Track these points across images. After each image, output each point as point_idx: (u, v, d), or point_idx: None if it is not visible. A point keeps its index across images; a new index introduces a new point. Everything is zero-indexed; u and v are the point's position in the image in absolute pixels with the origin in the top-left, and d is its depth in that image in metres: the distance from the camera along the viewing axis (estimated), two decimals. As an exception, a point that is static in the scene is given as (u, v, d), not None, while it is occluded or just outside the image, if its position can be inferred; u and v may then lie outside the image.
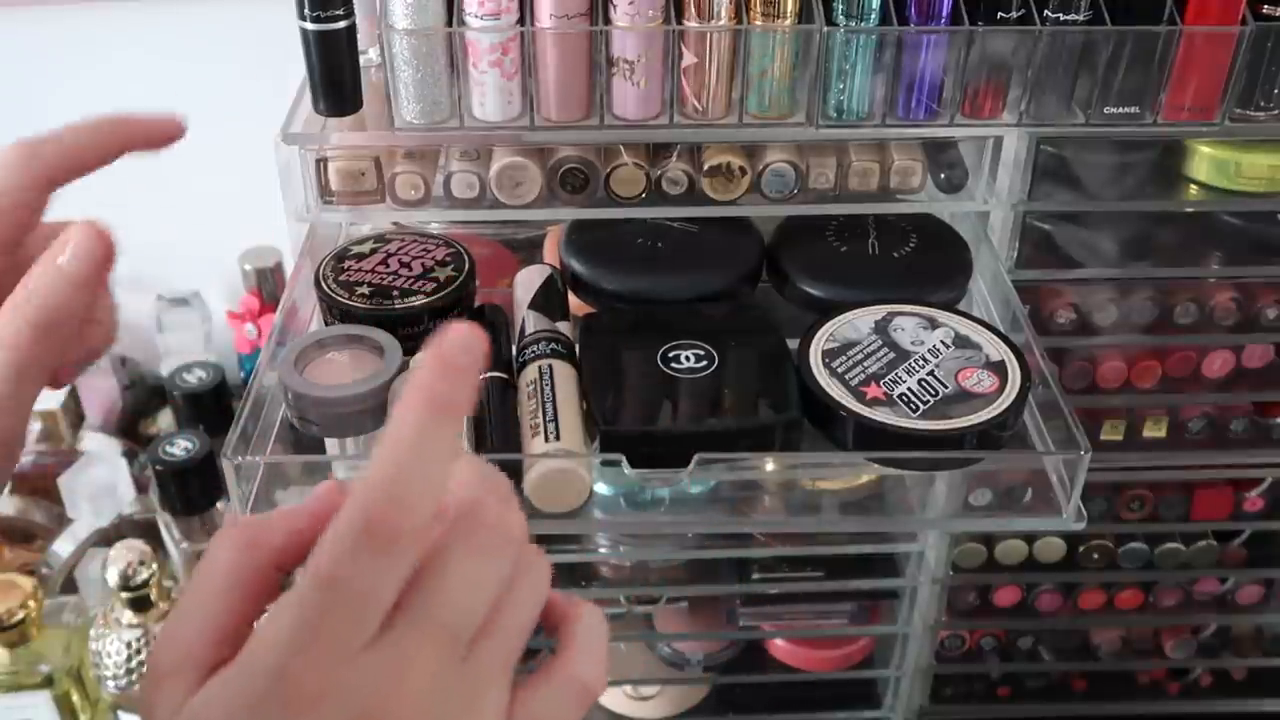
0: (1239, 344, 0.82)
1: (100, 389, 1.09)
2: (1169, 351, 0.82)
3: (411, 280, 0.69)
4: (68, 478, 0.93)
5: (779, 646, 0.98)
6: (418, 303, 0.67)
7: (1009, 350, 0.65)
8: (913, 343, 0.66)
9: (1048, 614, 0.95)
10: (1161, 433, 0.86)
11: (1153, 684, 1.02)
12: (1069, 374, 0.82)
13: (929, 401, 0.61)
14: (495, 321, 0.70)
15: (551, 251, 0.80)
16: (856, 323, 0.68)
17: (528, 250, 0.85)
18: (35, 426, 1.00)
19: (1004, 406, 0.61)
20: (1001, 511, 0.80)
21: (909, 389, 0.62)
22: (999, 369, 0.64)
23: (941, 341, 0.66)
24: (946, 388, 0.62)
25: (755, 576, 0.91)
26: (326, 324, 0.70)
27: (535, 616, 0.34)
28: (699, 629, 0.95)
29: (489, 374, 0.65)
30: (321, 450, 0.71)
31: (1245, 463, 0.88)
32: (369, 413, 0.62)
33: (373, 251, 0.72)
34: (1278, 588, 0.96)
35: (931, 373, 0.63)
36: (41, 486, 0.98)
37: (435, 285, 0.69)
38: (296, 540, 0.34)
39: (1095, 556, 0.91)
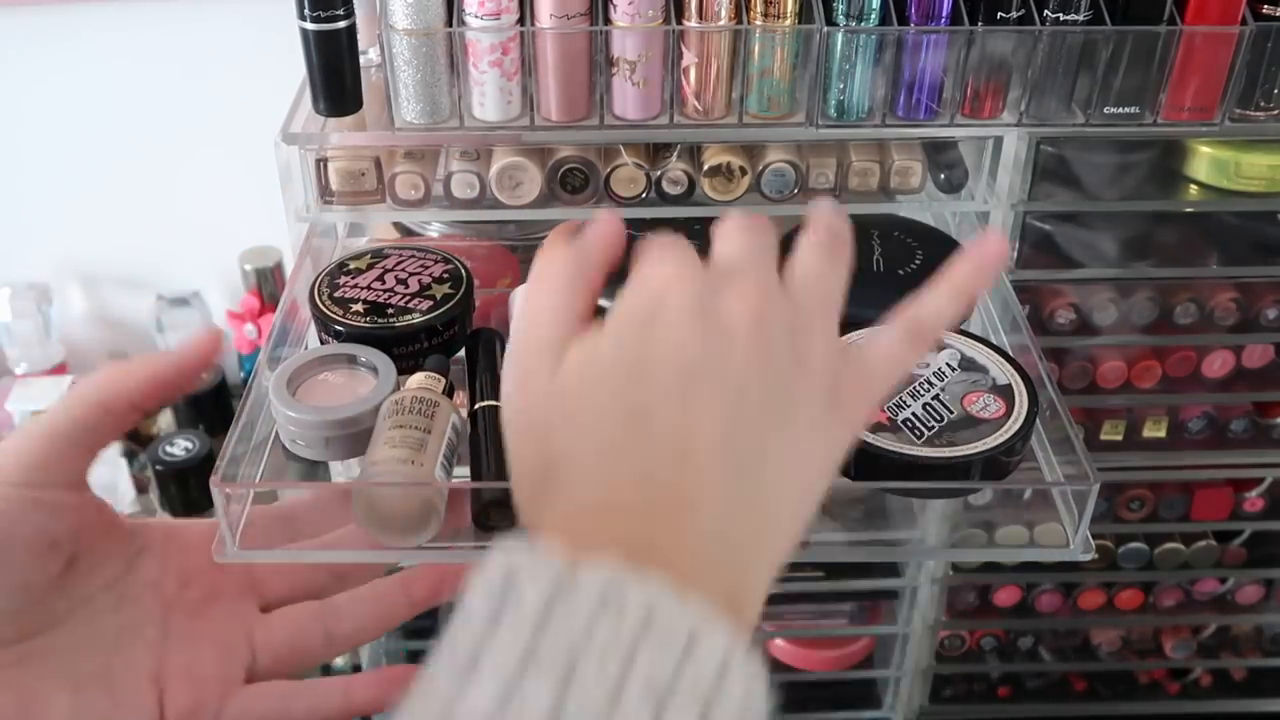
0: (1239, 344, 0.82)
1: (100, 389, 1.09)
2: (1169, 351, 0.82)
3: (408, 298, 0.68)
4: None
5: (779, 646, 0.98)
6: (414, 321, 0.67)
7: (1015, 373, 0.64)
8: (917, 365, 0.65)
9: (1048, 614, 0.95)
10: (1161, 433, 0.86)
11: (1153, 684, 1.02)
12: (1069, 374, 0.82)
13: (934, 427, 0.60)
14: (490, 347, 0.69)
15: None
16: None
17: (527, 251, 0.85)
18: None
19: (1011, 432, 0.60)
20: (1005, 543, 0.79)
21: (914, 414, 0.61)
22: (1005, 393, 0.63)
23: (947, 364, 0.65)
24: (952, 413, 0.61)
25: (755, 576, 0.91)
26: (321, 342, 0.69)
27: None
28: (699, 629, 0.95)
29: (483, 403, 0.64)
30: (315, 470, 0.70)
31: (1245, 463, 0.88)
32: (362, 436, 0.61)
33: (369, 267, 0.71)
34: (1278, 588, 0.96)
35: (937, 396, 0.62)
36: (41, 486, 0.98)
37: (432, 303, 0.68)
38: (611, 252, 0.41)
39: (1095, 556, 0.91)
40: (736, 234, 0.40)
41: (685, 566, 0.32)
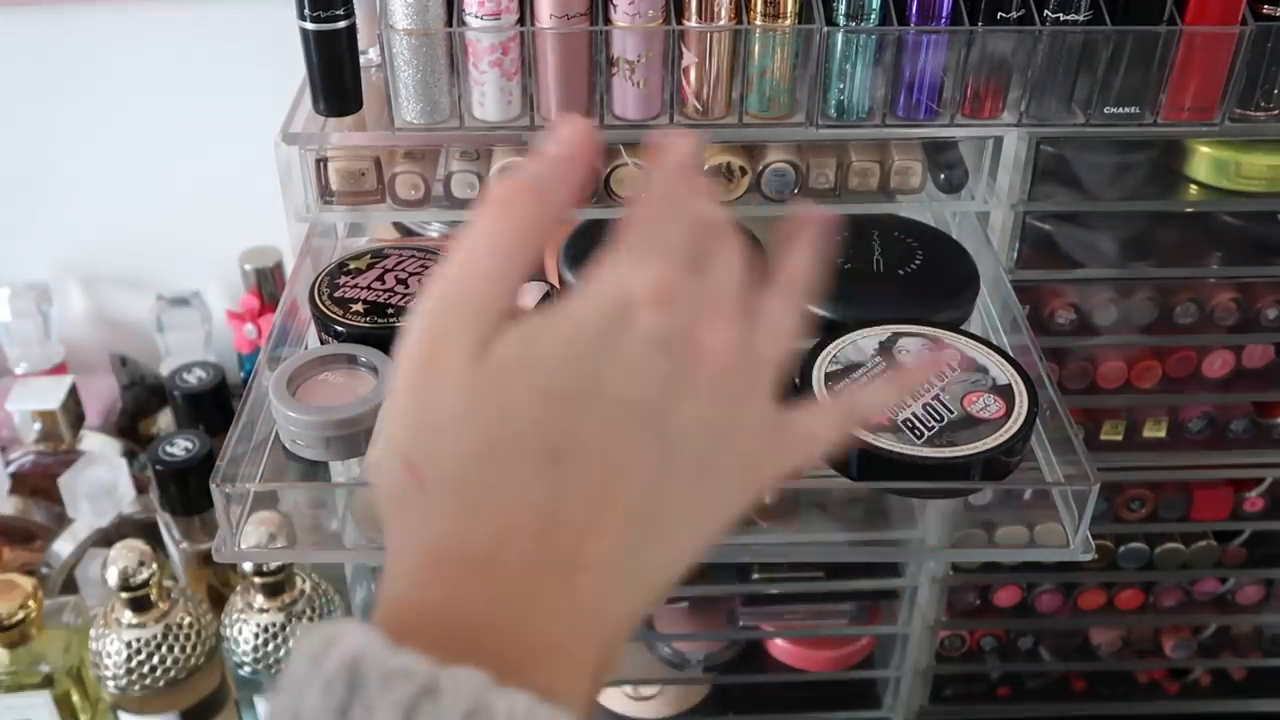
0: (1239, 344, 0.82)
1: (100, 389, 1.09)
2: (1169, 351, 0.82)
3: (408, 298, 0.68)
4: (68, 478, 0.93)
5: (779, 646, 0.98)
6: None
7: (1015, 373, 0.64)
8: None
9: (1048, 614, 0.95)
10: (1161, 433, 0.86)
11: (1152, 684, 1.02)
12: (1069, 374, 0.82)
13: (934, 427, 0.60)
14: None
15: (551, 266, 0.80)
16: (861, 344, 0.66)
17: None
18: (35, 426, 1.00)
19: (1011, 432, 0.60)
20: (1005, 543, 0.80)
21: (914, 414, 0.61)
22: (1005, 393, 0.63)
23: (947, 364, 0.65)
24: (952, 413, 0.61)
25: (755, 576, 0.91)
26: (321, 342, 0.69)
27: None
28: (699, 629, 0.95)
29: None
30: (315, 470, 0.70)
31: (1245, 463, 0.88)
32: (362, 435, 0.61)
33: (369, 267, 0.71)
34: (1278, 588, 0.96)
35: (937, 396, 0.62)
36: (41, 486, 0.98)
37: None
38: (575, 193, 0.35)
39: (1095, 556, 0.91)
40: (730, 239, 0.36)
41: (557, 662, 0.29)
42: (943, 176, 0.74)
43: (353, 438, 0.61)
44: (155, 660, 0.80)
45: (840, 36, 0.68)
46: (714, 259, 0.35)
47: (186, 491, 0.87)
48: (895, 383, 0.42)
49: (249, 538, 0.62)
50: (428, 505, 0.31)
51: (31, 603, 0.81)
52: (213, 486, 0.58)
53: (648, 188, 0.37)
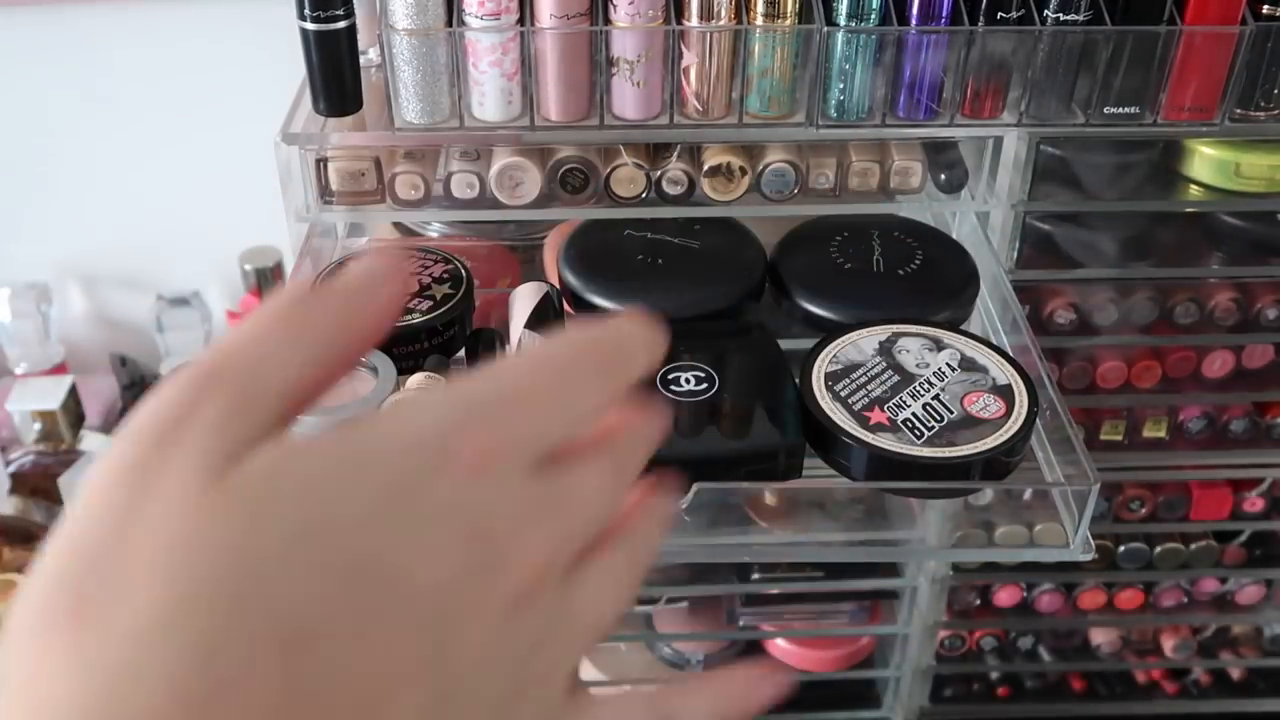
0: (1239, 344, 0.82)
1: (100, 389, 1.09)
2: (1169, 351, 0.82)
3: (408, 298, 0.68)
4: (68, 478, 0.93)
5: (779, 646, 0.98)
6: (414, 321, 0.67)
7: (1015, 373, 0.64)
8: (918, 365, 0.64)
9: (1048, 614, 0.95)
10: (1161, 433, 0.86)
11: (1152, 684, 1.02)
12: (1069, 374, 0.82)
13: (934, 427, 0.60)
14: (491, 346, 0.69)
15: (551, 266, 0.80)
16: (861, 344, 0.66)
17: (527, 251, 0.85)
18: (35, 426, 1.00)
19: (1011, 433, 0.60)
20: (1005, 543, 0.80)
21: (914, 414, 0.61)
22: (1005, 393, 0.63)
23: (947, 364, 0.65)
24: (952, 413, 0.61)
25: (755, 576, 0.91)
26: None
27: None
28: (699, 629, 0.95)
29: None
30: None
31: (1245, 463, 0.88)
32: None
33: None
34: (1278, 588, 0.96)
35: (937, 396, 0.62)
36: (41, 486, 0.98)
37: (432, 304, 0.68)
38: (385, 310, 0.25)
39: (1095, 556, 0.91)
40: (621, 468, 0.26)
41: None
42: (943, 176, 0.74)
43: None
44: (155, 660, 0.80)
45: (840, 36, 0.68)
46: (585, 469, 0.25)
47: (186, 491, 0.87)
48: (716, 699, 0.27)
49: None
50: (81, 673, 0.20)
51: (31, 603, 0.81)
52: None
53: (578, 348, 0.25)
